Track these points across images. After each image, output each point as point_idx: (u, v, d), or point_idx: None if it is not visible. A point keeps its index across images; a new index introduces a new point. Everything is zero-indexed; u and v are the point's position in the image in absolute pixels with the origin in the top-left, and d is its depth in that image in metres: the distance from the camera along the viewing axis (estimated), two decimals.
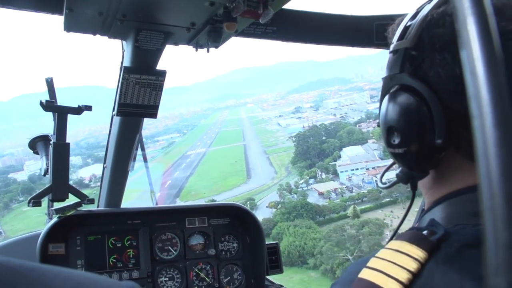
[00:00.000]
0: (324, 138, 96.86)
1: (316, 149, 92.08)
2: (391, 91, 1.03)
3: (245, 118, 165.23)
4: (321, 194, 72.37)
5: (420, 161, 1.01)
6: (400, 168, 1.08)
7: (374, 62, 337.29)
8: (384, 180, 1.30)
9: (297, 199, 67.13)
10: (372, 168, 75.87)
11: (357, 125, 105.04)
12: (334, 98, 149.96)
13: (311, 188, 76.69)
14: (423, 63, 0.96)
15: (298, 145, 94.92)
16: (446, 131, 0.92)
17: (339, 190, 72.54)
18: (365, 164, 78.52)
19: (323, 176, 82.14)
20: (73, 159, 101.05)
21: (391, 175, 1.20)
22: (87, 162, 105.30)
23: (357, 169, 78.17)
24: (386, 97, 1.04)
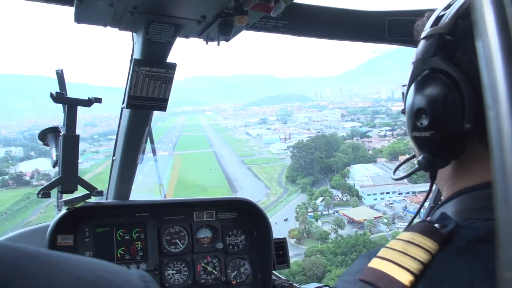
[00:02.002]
0: (325, 151, 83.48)
1: (321, 164, 79.94)
2: (422, 74, 1.03)
3: (206, 124, 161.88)
4: (356, 223, 56.54)
5: (446, 146, 1.00)
6: (422, 155, 1.06)
7: (332, 84, 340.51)
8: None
9: (354, 236, 49.66)
10: (410, 193, 61.13)
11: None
12: (300, 113, 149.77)
13: (334, 213, 62.53)
14: (457, 49, 0.96)
15: (300, 157, 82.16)
16: (475, 117, 0.92)
17: (385, 221, 57.23)
18: (397, 188, 63.33)
19: (344, 198, 68.24)
20: (14, 150, 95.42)
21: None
22: (30, 155, 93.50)
23: (388, 193, 64.65)
24: (417, 80, 1.04)
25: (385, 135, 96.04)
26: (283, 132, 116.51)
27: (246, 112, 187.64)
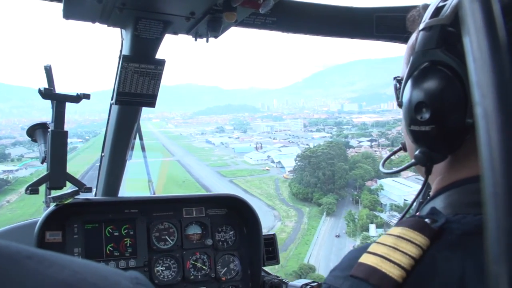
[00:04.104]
0: (346, 161, 67.61)
1: (345, 178, 64.54)
2: (422, 66, 1.00)
3: (157, 132, 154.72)
4: None
5: (445, 141, 0.98)
6: (419, 149, 1.04)
7: (278, 96, 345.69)
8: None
9: None
10: None
11: None
12: (260, 123, 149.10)
13: None
14: (459, 41, 0.90)
15: (316, 168, 64.99)
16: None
17: None
18: None
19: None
20: None
21: None
22: None
23: None
24: (417, 72, 1.01)
25: (371, 146, 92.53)
26: (248, 141, 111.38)
27: (196, 121, 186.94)
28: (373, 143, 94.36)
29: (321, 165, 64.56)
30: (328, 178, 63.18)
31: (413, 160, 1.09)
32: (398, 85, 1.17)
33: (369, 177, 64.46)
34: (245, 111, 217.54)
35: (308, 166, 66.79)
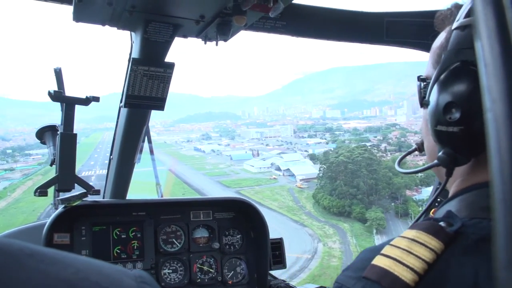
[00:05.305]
0: (375, 167, 55.55)
1: (389, 187, 53.67)
2: (453, 66, 0.98)
3: None
4: None
5: (472, 142, 0.96)
6: (444, 150, 1.02)
7: (258, 103, 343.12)
8: None
9: None
10: None
11: None
12: (245, 130, 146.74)
13: None
14: None
15: (345, 176, 54.55)
16: None
17: None
18: None
19: None
20: None
21: None
22: None
23: None
24: (447, 72, 0.99)
25: (377, 151, 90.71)
26: (240, 148, 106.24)
27: (178, 129, 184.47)
28: (379, 148, 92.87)
29: (362, 173, 54.05)
30: (370, 187, 52.94)
31: (436, 161, 1.06)
32: (422, 85, 1.16)
33: (414, 186, 56.38)
34: (227, 119, 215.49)
35: (341, 174, 55.74)
